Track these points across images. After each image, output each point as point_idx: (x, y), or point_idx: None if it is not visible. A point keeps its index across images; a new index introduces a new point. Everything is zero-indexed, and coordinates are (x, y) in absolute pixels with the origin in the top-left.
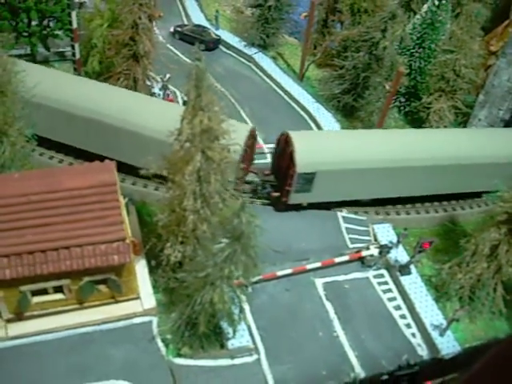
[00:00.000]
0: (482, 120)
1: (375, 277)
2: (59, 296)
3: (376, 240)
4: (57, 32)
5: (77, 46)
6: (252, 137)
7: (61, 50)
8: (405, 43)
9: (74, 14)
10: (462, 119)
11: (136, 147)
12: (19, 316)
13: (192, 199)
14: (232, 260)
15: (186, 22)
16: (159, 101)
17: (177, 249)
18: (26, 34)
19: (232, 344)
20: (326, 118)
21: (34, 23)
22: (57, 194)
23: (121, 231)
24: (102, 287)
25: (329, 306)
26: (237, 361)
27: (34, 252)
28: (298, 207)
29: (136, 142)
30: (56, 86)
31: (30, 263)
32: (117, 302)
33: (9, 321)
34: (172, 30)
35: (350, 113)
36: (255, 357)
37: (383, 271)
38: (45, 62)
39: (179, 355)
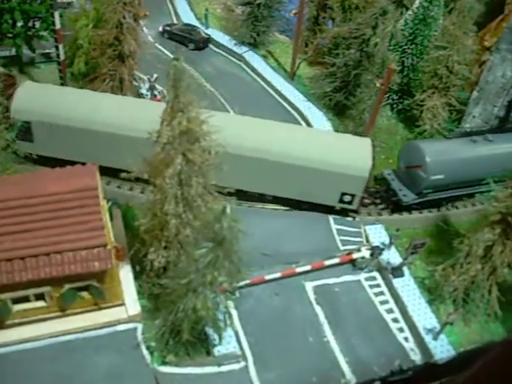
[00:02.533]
0: (476, 117)
1: (367, 279)
2: (41, 303)
3: (368, 241)
4: (42, 33)
5: (61, 47)
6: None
7: (47, 51)
8: (396, 39)
9: (56, 14)
10: (456, 116)
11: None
12: (0, 324)
13: (173, 203)
14: (215, 266)
15: (175, 21)
16: (149, 102)
17: (160, 254)
18: (10, 35)
19: (218, 351)
20: (317, 117)
21: (18, 24)
22: (36, 199)
23: (102, 237)
24: (85, 294)
25: (319, 310)
26: (224, 368)
27: (13, 259)
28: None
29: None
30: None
31: (8, 270)
32: (100, 308)
33: None
34: (161, 29)
35: (341, 111)
36: (243, 364)
37: (375, 273)
38: (30, 63)
39: (164, 363)
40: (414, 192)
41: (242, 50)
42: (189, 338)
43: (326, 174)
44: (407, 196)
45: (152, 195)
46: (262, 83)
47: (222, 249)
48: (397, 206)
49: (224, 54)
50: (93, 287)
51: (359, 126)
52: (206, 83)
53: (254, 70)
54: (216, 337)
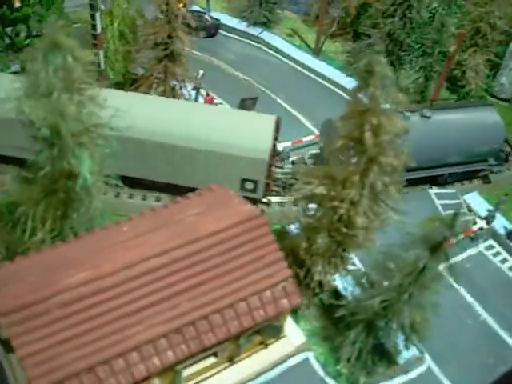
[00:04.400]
0: None
1: (487, 249)
2: (211, 360)
3: (471, 211)
4: None
5: (101, 53)
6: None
7: None
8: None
9: (97, 16)
10: (491, 72)
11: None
12: None
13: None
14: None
15: None
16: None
17: (328, 271)
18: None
19: (401, 358)
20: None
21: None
22: (200, 243)
23: (285, 269)
24: (254, 336)
25: (462, 290)
26: (411, 374)
27: (195, 321)
28: None
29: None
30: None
31: (194, 336)
32: (266, 346)
33: None
34: None
35: None
36: (425, 365)
37: (491, 242)
38: None
39: None
40: None
41: (256, 31)
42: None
43: (221, 157)
44: None
45: (321, 211)
46: (291, 63)
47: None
48: None
49: (238, 37)
50: (270, 327)
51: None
52: (236, 72)
53: (277, 50)
54: (401, 344)
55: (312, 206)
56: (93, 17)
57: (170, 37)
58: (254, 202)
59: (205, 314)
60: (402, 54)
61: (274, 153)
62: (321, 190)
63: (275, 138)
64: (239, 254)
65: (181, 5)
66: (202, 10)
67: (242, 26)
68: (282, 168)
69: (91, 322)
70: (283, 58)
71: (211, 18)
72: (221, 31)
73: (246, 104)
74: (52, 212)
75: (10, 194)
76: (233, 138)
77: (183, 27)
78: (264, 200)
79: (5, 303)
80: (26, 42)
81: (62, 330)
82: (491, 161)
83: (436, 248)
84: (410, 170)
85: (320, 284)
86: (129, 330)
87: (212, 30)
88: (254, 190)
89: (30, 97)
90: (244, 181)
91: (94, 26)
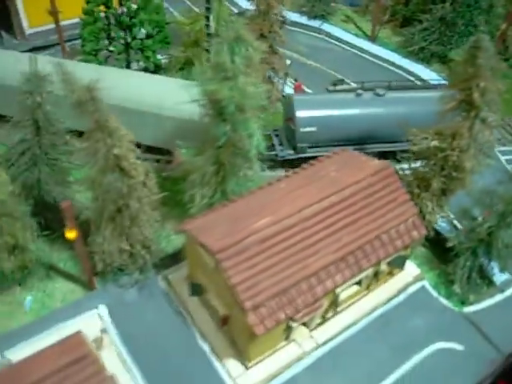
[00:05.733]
0: None
1: None
2: (355, 289)
3: None
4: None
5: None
6: None
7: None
8: None
9: (211, 17)
10: None
11: None
12: (323, 321)
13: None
14: None
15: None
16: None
17: (436, 212)
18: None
19: (498, 279)
20: (421, 70)
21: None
22: (348, 189)
23: (411, 207)
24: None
25: None
26: (507, 293)
27: (354, 251)
28: None
29: None
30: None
31: (353, 262)
32: (392, 276)
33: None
34: None
35: (440, 61)
36: None
37: None
38: None
39: (466, 304)
40: (291, 147)
41: (317, 23)
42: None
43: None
44: (283, 151)
45: None
46: (353, 50)
47: None
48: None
49: (301, 30)
50: (399, 257)
51: None
52: (308, 61)
53: (338, 39)
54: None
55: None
56: (207, 18)
57: (269, 31)
58: None
59: (360, 245)
60: (455, 35)
61: None
62: (434, 143)
63: None
64: (377, 198)
65: None
66: None
67: (303, 19)
68: None
69: (279, 256)
70: (345, 46)
71: None
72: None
73: (337, 85)
74: (215, 178)
75: (184, 165)
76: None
77: (279, 23)
78: None
79: (216, 244)
80: (141, 43)
81: (260, 263)
82: None
83: None
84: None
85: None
86: (307, 260)
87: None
88: None
89: (216, 81)
90: None
91: (207, 26)
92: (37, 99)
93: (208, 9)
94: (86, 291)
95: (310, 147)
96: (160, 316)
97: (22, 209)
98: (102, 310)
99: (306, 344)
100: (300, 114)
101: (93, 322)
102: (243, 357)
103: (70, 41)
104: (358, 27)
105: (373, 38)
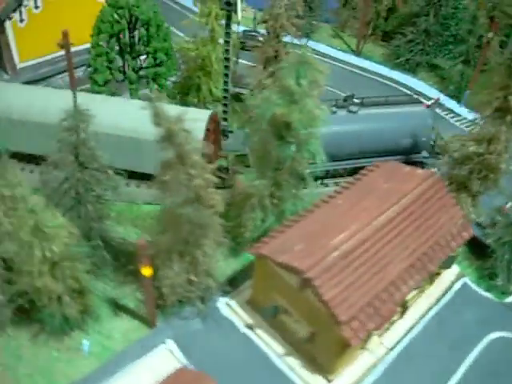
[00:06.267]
0: None
1: None
2: (414, 292)
3: None
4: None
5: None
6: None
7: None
8: None
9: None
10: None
11: None
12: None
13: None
14: None
15: None
16: None
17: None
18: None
19: None
20: (408, 79)
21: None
22: (403, 200)
23: (459, 211)
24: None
25: None
26: None
27: (421, 257)
28: None
29: None
30: None
31: (421, 267)
32: (437, 276)
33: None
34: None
35: (423, 70)
36: None
37: None
38: None
39: (507, 295)
40: None
41: (302, 41)
42: None
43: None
44: None
45: None
46: (341, 64)
47: None
48: None
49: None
50: (450, 258)
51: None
52: None
53: (324, 55)
54: None
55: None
56: (227, 43)
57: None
58: None
59: (424, 250)
60: (440, 45)
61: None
62: (473, 148)
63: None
64: (430, 205)
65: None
66: (251, 29)
67: (287, 38)
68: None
69: (361, 269)
70: (331, 61)
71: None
72: None
73: (348, 100)
74: (271, 200)
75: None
76: None
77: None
78: None
79: (303, 263)
80: (155, 72)
81: (346, 278)
82: (424, 153)
83: None
84: (339, 160)
85: None
86: (385, 270)
87: None
88: None
89: (283, 104)
90: None
91: (226, 51)
92: (81, 135)
93: (228, 34)
94: (145, 328)
95: None
96: (229, 342)
97: (82, 250)
98: (171, 344)
99: (378, 350)
100: None
101: (165, 358)
102: (326, 371)
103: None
104: (345, 43)
105: (358, 52)
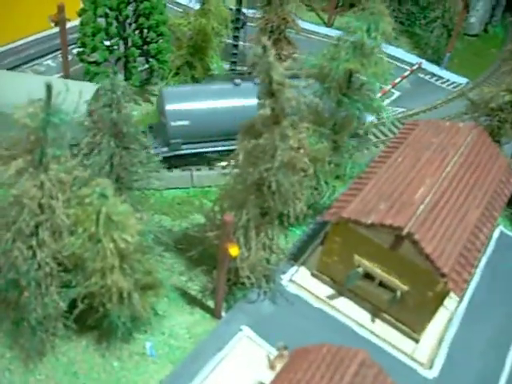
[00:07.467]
0: (478, 10)
1: None
2: None
3: None
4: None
5: None
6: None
7: None
8: None
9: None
10: None
11: None
12: None
13: None
14: None
15: None
16: None
17: None
18: None
19: None
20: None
21: None
22: (460, 150)
23: (503, 158)
24: None
25: None
26: None
27: (487, 205)
28: None
29: None
30: None
31: (489, 215)
32: None
33: None
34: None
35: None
36: None
37: None
38: None
39: None
40: (164, 144)
41: None
42: None
43: None
44: (157, 148)
45: None
46: (318, 37)
47: None
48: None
49: None
50: None
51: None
52: None
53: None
54: None
55: None
56: (238, 11)
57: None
58: None
59: (488, 199)
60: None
61: None
62: (508, 97)
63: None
64: (482, 155)
65: None
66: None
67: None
68: None
69: (447, 221)
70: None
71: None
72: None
73: None
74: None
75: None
76: None
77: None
78: None
79: (397, 219)
80: (157, 47)
81: (438, 231)
82: None
83: None
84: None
85: None
86: (465, 220)
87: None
88: None
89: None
90: None
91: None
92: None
93: (238, 11)
94: (209, 319)
95: (184, 143)
96: (306, 319)
97: (149, 238)
98: (247, 330)
99: (450, 304)
100: (170, 106)
101: (247, 346)
102: (414, 331)
103: (57, 50)
104: (318, 16)
105: (329, 25)
